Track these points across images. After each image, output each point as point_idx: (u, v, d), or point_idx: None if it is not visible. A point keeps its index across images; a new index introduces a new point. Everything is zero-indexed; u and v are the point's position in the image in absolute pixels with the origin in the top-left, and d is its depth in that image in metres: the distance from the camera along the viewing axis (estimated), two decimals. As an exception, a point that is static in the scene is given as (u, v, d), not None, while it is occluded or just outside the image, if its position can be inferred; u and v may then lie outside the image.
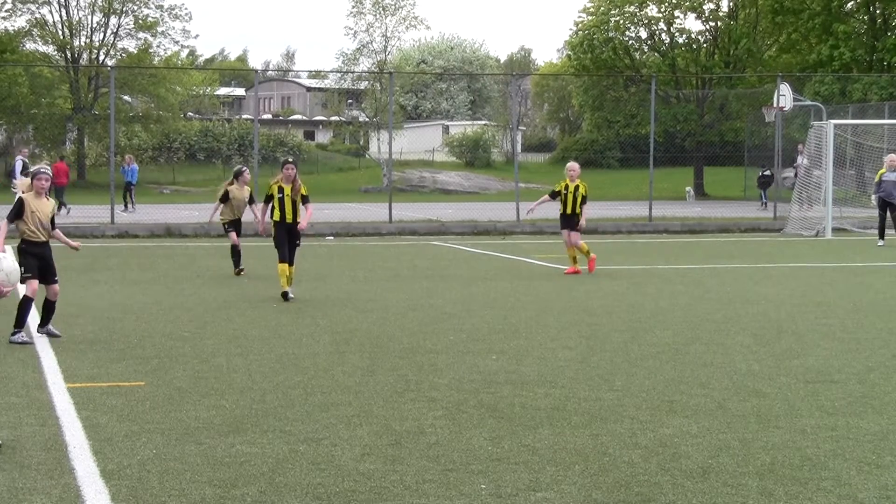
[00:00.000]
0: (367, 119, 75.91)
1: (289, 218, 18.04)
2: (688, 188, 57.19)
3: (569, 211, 22.50)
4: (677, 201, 51.14)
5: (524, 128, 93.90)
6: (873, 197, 31.38)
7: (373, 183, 64.78)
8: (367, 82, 74.82)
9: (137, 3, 65.88)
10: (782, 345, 13.83)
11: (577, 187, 22.51)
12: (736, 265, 24.29)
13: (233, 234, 22.14)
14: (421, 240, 32.40)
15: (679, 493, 7.68)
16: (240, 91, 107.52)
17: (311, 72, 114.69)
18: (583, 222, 22.39)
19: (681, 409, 10.17)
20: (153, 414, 9.92)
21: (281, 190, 18.04)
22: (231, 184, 22.48)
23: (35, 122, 64.09)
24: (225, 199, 22.30)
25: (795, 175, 39.82)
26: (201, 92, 77.00)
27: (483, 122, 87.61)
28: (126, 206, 44.06)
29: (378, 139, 70.22)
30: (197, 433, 9.23)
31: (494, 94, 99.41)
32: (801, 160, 39.72)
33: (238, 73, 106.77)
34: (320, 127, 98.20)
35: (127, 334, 14.49)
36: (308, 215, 18.39)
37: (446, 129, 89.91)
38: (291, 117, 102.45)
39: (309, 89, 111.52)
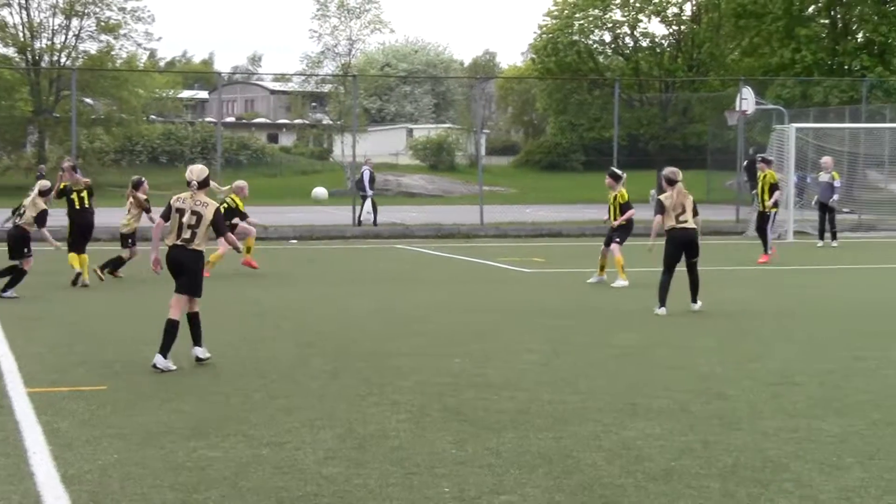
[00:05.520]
0: (330, 122, 75.84)
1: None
2: (651, 191, 57.25)
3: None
4: (641, 204, 51.20)
5: (488, 131, 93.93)
6: (814, 200, 31.77)
7: (336, 186, 64.67)
8: (331, 85, 74.71)
9: (99, 5, 65.56)
10: (745, 347, 13.89)
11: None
12: (699, 268, 24.35)
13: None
14: (385, 243, 32.37)
15: (642, 496, 7.69)
16: (203, 94, 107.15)
17: (275, 75, 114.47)
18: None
19: (644, 411, 10.19)
20: (114, 418, 9.86)
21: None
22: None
23: (-5, 124, 63.74)
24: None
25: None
26: (164, 95, 76.68)
27: (447, 126, 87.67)
28: None
29: (342, 142, 70.11)
30: (159, 437, 9.17)
31: (458, 97, 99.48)
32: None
33: (201, 75, 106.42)
34: (284, 130, 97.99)
35: (87, 339, 14.41)
36: None
37: (410, 132, 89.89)
38: (255, 120, 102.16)
39: (273, 92, 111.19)
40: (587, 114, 66.65)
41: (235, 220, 21.76)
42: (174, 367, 12.21)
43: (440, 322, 16.07)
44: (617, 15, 62.46)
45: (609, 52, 65.33)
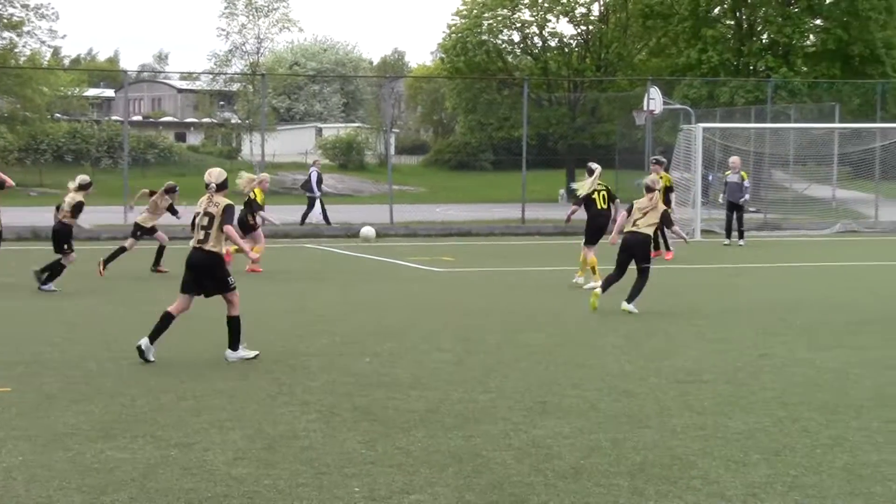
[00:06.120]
0: (239, 121, 75.37)
1: None
2: (560, 190, 57.65)
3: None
4: (550, 203, 51.51)
5: (397, 130, 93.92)
6: (721, 197, 32.14)
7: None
8: (239, 84, 74.28)
9: (2, 1, 64.55)
10: (653, 346, 14.00)
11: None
12: (606, 267, 24.51)
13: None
14: (294, 242, 32.21)
15: (551, 494, 7.72)
16: (109, 92, 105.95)
17: (182, 73, 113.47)
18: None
19: (553, 410, 10.24)
20: (19, 420, 9.73)
21: None
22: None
23: None
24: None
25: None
26: (69, 93, 75.69)
27: (356, 125, 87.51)
28: None
29: (251, 141, 69.76)
30: (65, 439, 9.06)
31: (368, 96, 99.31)
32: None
33: (107, 74, 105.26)
34: (192, 129, 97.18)
35: (-7, 339, 14.19)
36: None
37: (319, 131, 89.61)
38: (162, 119, 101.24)
39: (180, 91, 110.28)
40: (496, 113, 66.79)
41: (257, 220, 22.65)
42: (251, 354, 12.75)
43: (350, 321, 16.03)
44: (525, 15, 62.72)
45: (518, 51, 65.58)
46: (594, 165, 20.66)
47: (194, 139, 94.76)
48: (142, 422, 9.70)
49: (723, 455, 8.73)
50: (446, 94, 75.90)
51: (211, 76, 78.47)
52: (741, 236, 30.59)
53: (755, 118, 46.54)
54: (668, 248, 26.09)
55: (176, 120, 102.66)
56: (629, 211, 17.72)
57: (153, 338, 12.68)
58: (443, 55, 68.14)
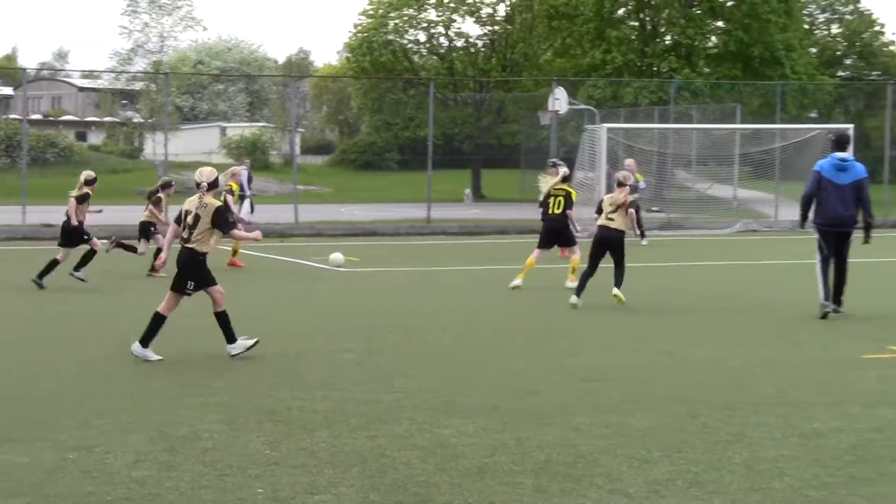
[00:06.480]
0: (142, 120, 74.58)
1: None
2: (466, 190, 57.78)
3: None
4: (456, 203, 51.61)
5: (303, 130, 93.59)
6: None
7: (148, 185, 63.58)
8: (142, 83, 73.50)
9: None
10: (556, 344, 14.08)
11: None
12: (512, 266, 24.60)
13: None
14: (198, 242, 31.94)
15: (456, 493, 7.73)
16: (7, 90, 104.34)
17: (83, 71, 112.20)
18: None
19: (458, 409, 10.26)
20: (-85, 424, 9.55)
21: None
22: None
23: None
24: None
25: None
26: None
27: (261, 124, 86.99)
28: None
29: (153, 140, 69.00)
30: (-38, 444, 8.91)
31: (273, 95, 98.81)
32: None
33: (5, 71, 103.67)
34: (93, 128, 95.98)
35: None
36: None
37: (224, 130, 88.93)
38: (62, 118, 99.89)
39: (81, 89, 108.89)
40: (402, 113, 66.76)
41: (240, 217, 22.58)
42: (154, 358, 12.59)
43: (254, 322, 15.92)
44: (432, 15, 62.73)
45: (424, 51, 65.57)
46: (563, 168, 20.71)
47: (95, 138, 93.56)
48: (43, 425, 9.56)
49: (625, 452, 8.79)
50: (352, 93, 75.71)
51: (113, 74, 77.60)
52: (643, 236, 30.86)
53: (658, 118, 46.96)
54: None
55: (76, 119, 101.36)
56: (600, 206, 18.16)
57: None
58: (349, 55, 67.93)
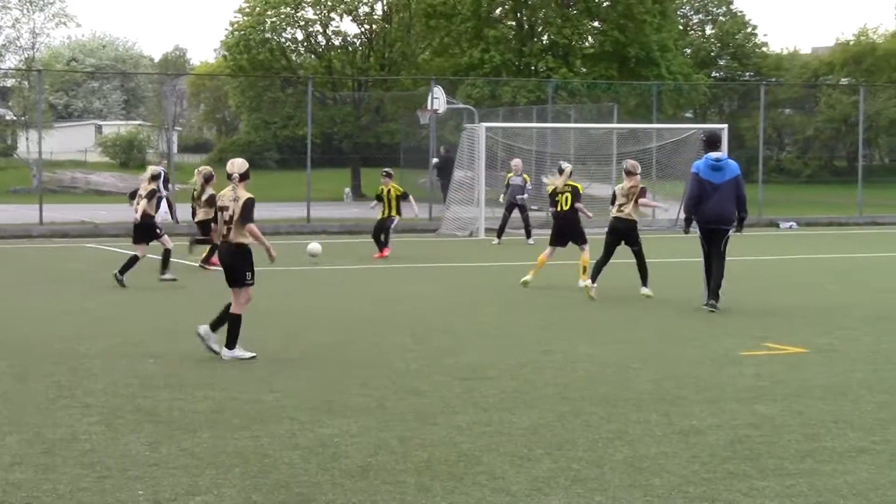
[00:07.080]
0: (14, 117, 73.25)
1: None
2: (346, 189, 57.62)
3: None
4: (336, 202, 51.45)
5: (180, 128, 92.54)
6: (501, 197, 32.68)
7: (22, 184, 62.50)
8: (14, 79, 72.19)
9: None
10: (438, 343, 14.11)
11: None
12: (392, 265, 24.63)
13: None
14: (74, 242, 31.50)
15: (339, 493, 7.72)
16: None
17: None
18: None
19: (340, 409, 10.23)
20: None
21: None
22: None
23: None
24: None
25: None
26: None
27: (138, 122, 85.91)
28: None
29: (27, 138, 67.78)
30: None
31: (149, 93, 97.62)
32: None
33: None
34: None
35: None
36: None
37: (99, 128, 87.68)
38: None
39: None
40: (280, 112, 66.30)
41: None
42: (248, 356, 12.64)
43: (133, 322, 15.75)
44: (309, 13, 62.37)
45: (302, 50, 65.22)
46: (565, 165, 20.82)
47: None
48: (-87, 429, 9.35)
49: (507, 451, 8.84)
50: (230, 92, 75.08)
51: (-17, 72, 76.11)
52: (528, 235, 31.11)
53: (537, 118, 47.26)
54: (386, 246, 26.17)
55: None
56: (613, 196, 18.84)
57: (231, 343, 12.74)
58: (225, 53, 67.36)
